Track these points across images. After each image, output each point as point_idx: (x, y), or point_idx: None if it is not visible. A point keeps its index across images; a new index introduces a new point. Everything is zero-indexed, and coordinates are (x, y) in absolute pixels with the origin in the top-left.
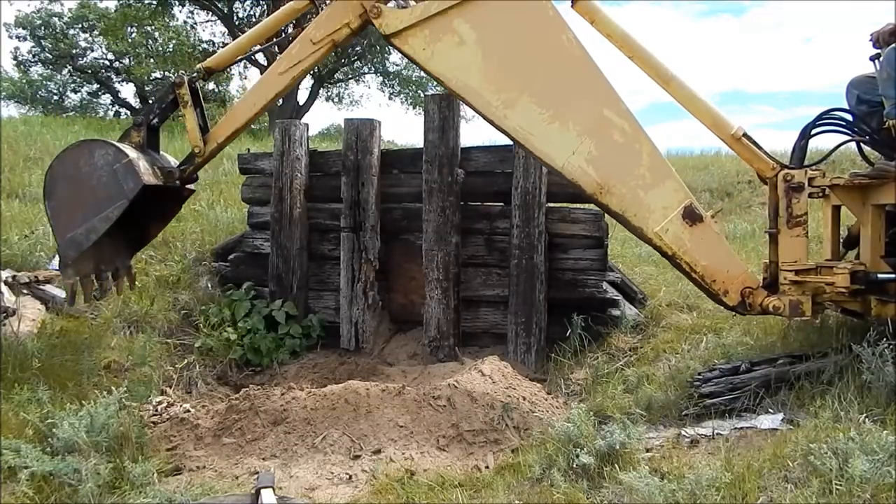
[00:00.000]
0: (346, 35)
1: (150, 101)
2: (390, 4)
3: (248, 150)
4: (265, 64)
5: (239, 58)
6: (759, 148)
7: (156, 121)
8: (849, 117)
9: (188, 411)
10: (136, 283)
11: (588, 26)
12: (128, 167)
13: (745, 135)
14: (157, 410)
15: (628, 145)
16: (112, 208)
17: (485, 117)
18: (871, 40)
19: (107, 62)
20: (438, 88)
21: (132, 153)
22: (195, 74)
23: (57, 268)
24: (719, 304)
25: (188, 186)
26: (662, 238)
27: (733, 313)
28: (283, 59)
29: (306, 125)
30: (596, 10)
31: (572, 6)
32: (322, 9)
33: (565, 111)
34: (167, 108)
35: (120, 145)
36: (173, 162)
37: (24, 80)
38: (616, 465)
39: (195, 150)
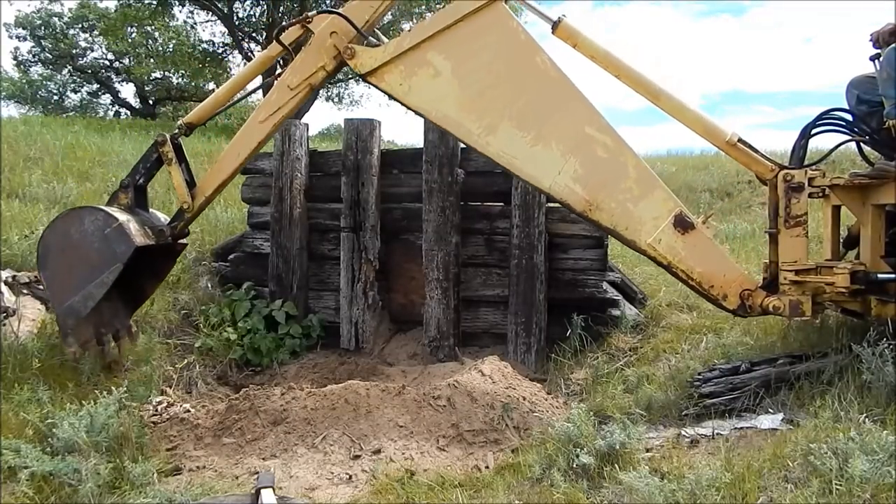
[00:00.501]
0: (323, 77)
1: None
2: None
3: None
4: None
5: (219, 110)
6: (756, 151)
7: (142, 181)
8: (849, 117)
9: (188, 411)
10: None
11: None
12: (119, 230)
13: (739, 140)
14: (157, 410)
15: (613, 159)
16: (107, 273)
17: (468, 145)
18: (871, 40)
19: (107, 62)
20: None
21: (122, 216)
22: (177, 131)
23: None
24: (719, 308)
25: (180, 241)
26: (656, 249)
27: (734, 315)
28: (263, 107)
29: (306, 125)
30: (577, 34)
31: (553, 32)
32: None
33: (547, 132)
34: (152, 167)
35: (109, 209)
36: (164, 219)
37: (24, 80)
38: (616, 465)
39: (184, 206)
